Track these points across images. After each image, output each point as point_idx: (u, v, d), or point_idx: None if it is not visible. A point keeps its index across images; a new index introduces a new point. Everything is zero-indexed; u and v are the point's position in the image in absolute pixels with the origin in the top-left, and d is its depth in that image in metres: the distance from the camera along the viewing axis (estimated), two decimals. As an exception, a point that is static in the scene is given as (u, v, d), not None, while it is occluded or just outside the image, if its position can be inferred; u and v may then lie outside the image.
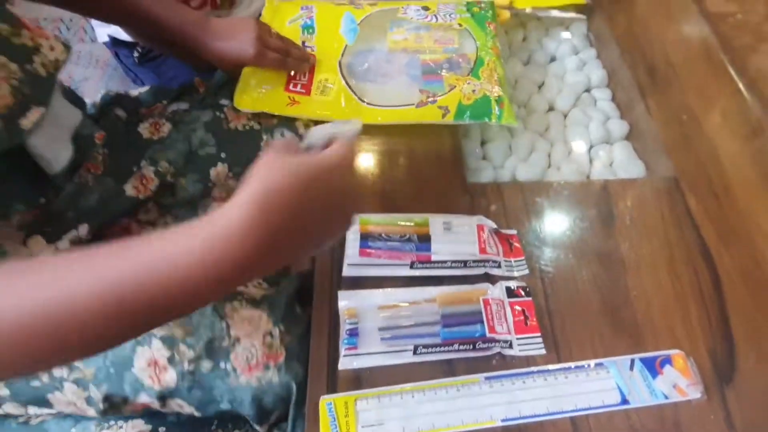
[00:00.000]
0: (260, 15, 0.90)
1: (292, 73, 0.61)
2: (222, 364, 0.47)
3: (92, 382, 0.48)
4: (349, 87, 0.61)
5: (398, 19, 0.67)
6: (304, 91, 0.61)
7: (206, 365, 0.47)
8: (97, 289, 0.27)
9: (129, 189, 0.53)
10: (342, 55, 0.63)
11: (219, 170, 0.57)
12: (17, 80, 0.40)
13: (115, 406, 0.48)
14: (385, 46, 0.64)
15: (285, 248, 0.30)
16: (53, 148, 0.47)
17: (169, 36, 0.58)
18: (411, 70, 0.62)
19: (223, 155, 0.57)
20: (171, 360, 0.47)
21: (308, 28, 0.65)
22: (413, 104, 0.59)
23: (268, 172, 0.30)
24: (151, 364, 0.47)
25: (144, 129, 0.58)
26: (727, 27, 1.14)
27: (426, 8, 0.68)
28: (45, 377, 0.47)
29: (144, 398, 0.48)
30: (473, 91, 0.60)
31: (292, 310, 0.49)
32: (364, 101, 0.60)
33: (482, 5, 0.70)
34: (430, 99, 0.59)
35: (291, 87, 0.61)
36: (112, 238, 0.55)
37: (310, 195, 0.30)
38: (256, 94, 0.60)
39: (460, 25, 0.67)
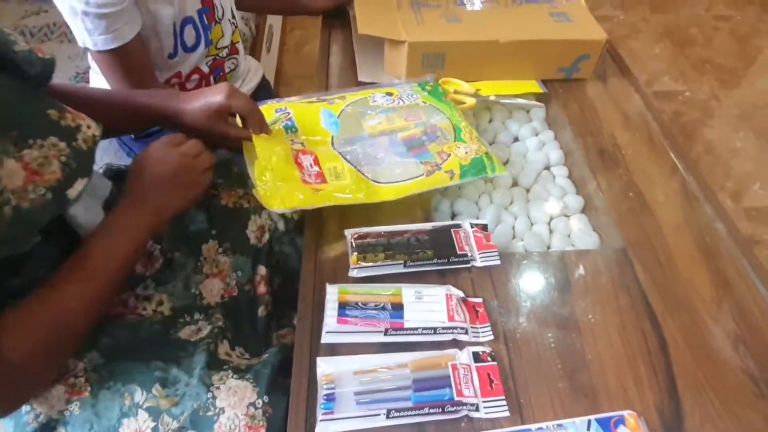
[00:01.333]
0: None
1: (297, 162, 0.62)
2: None
3: None
4: (357, 170, 0.64)
5: (370, 107, 0.72)
6: (319, 180, 0.62)
7: None
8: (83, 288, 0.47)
9: (138, 267, 0.57)
10: (332, 144, 0.67)
11: (210, 246, 0.61)
12: (65, 156, 0.46)
13: None
14: (366, 133, 0.70)
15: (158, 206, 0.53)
16: (89, 216, 0.52)
17: (141, 111, 0.62)
18: (396, 149, 0.68)
19: (213, 232, 0.62)
20: (155, 431, 0.49)
21: (291, 128, 0.68)
22: (422, 174, 0.64)
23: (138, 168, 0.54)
24: None
25: None
26: (676, 104, 1.26)
27: (390, 93, 0.75)
28: None
29: None
30: (466, 153, 0.67)
31: (276, 381, 0.52)
32: (378, 181, 0.63)
33: (430, 83, 0.78)
34: (436, 168, 0.65)
35: (307, 179, 0.61)
36: (111, 310, 0.58)
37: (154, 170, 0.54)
38: (280, 192, 0.59)
39: (424, 102, 0.75)
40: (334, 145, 0.67)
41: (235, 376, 0.51)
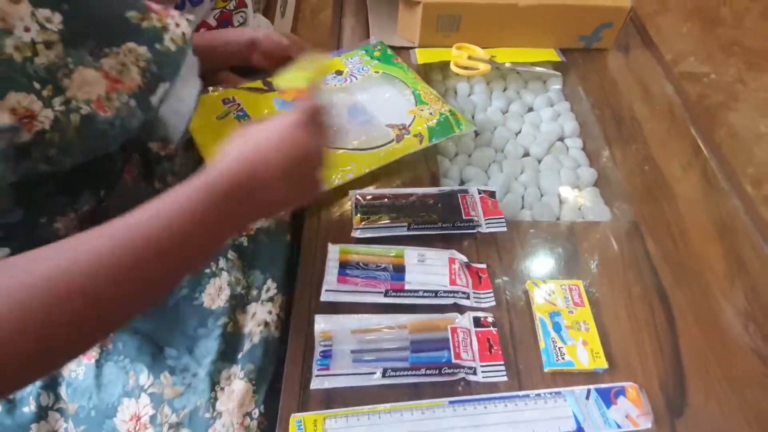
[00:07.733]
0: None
1: None
2: None
3: (72, 417, 0.48)
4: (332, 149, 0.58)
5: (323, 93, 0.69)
6: None
7: None
8: (117, 252, 0.31)
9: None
10: None
11: None
12: (145, 61, 0.44)
13: None
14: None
15: (264, 190, 0.38)
16: (175, 119, 0.51)
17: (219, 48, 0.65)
18: (359, 117, 0.64)
19: None
20: (153, 419, 0.48)
21: (243, 118, 0.63)
22: (393, 140, 0.62)
23: (241, 139, 0.39)
24: (133, 419, 0.48)
25: (153, 145, 0.61)
26: (701, 86, 1.22)
27: (339, 72, 0.71)
28: (32, 405, 0.47)
29: None
30: (430, 113, 0.65)
31: (275, 387, 0.50)
32: (359, 149, 0.61)
33: (377, 47, 0.75)
34: (404, 131, 0.63)
35: None
36: None
37: (278, 152, 0.38)
38: None
39: (376, 72, 0.71)
40: None
41: (240, 374, 0.50)
